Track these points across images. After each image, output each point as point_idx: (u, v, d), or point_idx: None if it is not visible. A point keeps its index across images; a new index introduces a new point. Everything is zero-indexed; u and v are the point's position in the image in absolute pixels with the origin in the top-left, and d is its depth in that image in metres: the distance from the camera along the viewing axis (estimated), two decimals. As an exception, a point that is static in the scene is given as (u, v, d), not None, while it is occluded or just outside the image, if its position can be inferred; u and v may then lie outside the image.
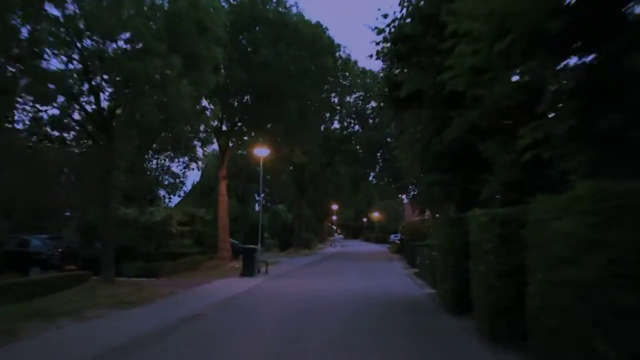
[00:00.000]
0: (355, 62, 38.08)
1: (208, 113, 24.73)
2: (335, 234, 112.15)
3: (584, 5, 5.59)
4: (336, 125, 44.64)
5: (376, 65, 40.98)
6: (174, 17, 13.41)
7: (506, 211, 7.00)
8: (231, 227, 52.35)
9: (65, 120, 15.21)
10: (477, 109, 8.56)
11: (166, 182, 65.48)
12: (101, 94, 14.18)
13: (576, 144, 5.97)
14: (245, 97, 23.01)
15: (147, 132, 17.94)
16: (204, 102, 24.13)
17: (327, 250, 53.89)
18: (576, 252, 4.38)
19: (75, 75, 14.01)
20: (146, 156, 25.37)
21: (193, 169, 62.97)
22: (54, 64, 14.13)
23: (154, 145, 23.15)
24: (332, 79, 26.14)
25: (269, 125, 23.58)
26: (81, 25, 12.96)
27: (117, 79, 13.23)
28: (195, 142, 25.04)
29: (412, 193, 39.92)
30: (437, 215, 44.51)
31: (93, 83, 13.92)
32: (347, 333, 9.08)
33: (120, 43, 13.65)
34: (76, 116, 15.42)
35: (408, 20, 11.02)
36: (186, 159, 37.58)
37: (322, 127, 45.02)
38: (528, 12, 5.80)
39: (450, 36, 7.89)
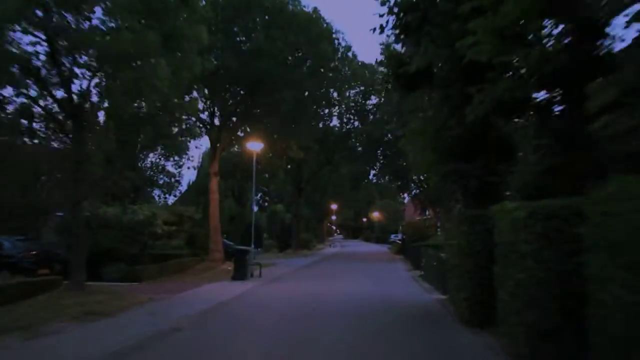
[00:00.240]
0: (355, 56, 36.52)
1: (198, 107, 23.26)
2: (335, 234, 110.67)
3: None
4: (335, 122, 43.15)
5: (377, 56, 39.69)
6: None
7: (553, 203, 5.45)
8: (228, 227, 51.04)
9: (35, 109, 13.67)
10: (503, 82, 7.01)
11: (161, 182, 64.09)
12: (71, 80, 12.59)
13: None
14: (237, 87, 21.44)
15: (126, 122, 16.36)
16: (194, 94, 22.68)
17: (326, 251, 52.35)
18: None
19: (43, 58, 12.49)
20: (136, 152, 23.77)
21: (189, 168, 61.30)
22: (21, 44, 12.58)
23: (140, 139, 21.56)
24: (331, 66, 24.53)
25: (262, 117, 21.98)
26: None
27: (85, 57, 11.70)
28: (184, 137, 23.40)
29: (414, 191, 38.44)
30: (439, 215, 43.18)
31: (62, 65, 12.35)
32: (348, 353, 7.55)
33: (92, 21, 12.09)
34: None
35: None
36: (175, 155, 36.13)
37: (321, 124, 43.62)
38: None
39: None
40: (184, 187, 63.62)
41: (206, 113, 23.19)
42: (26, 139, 15.40)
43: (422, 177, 36.69)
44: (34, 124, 14.25)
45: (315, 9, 22.21)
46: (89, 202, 17.53)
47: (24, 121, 13.94)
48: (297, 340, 8.47)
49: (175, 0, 11.74)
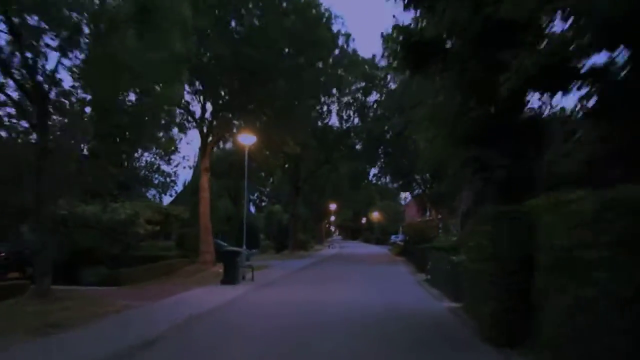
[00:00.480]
0: (355, 50, 35.06)
1: (187, 97, 21.75)
2: (334, 235, 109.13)
3: None
4: (334, 121, 41.70)
5: (377, 52, 38.32)
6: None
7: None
8: (224, 227, 49.51)
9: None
10: (551, 43, 5.51)
11: (156, 181, 62.54)
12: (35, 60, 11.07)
13: None
14: (230, 78, 19.89)
15: (108, 112, 14.82)
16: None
17: (324, 252, 50.79)
18: None
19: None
20: (121, 148, 22.18)
21: (185, 168, 59.96)
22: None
23: (126, 134, 19.97)
24: (330, 54, 22.93)
25: (255, 109, 20.43)
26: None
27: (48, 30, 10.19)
28: (171, 129, 21.82)
29: (416, 191, 36.94)
30: (440, 216, 41.69)
31: (24, 44, 10.83)
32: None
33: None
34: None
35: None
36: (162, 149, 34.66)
37: (320, 123, 42.12)
38: None
39: None
40: (179, 187, 62.30)
41: (198, 105, 21.77)
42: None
43: (427, 176, 35.23)
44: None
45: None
46: (66, 199, 16.04)
47: None
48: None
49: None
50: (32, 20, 10.28)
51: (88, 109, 15.71)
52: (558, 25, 6.05)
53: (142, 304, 12.13)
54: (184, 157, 67.69)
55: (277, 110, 19.72)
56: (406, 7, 8.41)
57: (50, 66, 11.19)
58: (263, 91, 18.73)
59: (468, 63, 7.64)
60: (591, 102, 6.69)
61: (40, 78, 11.10)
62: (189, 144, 77.32)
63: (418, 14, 8.57)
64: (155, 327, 9.23)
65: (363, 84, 37.33)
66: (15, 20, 10.27)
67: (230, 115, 21.45)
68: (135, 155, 64.46)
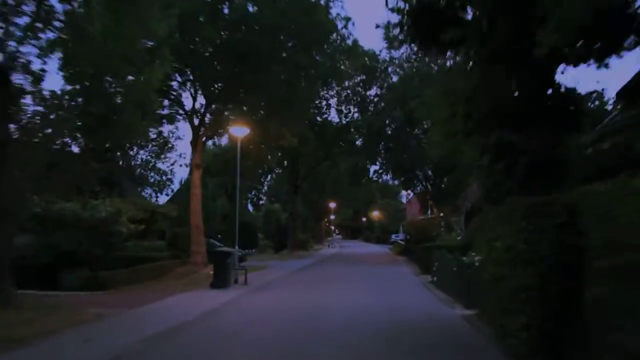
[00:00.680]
0: (356, 41, 33.84)
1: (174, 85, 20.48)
2: (334, 234, 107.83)
3: None
4: (334, 116, 40.44)
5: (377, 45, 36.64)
6: None
7: None
8: (221, 226, 48.21)
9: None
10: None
11: (152, 180, 61.29)
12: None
13: None
14: (220, 64, 18.59)
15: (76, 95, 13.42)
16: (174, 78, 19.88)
17: (324, 252, 49.55)
18: None
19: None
20: (103, 139, 20.71)
21: (181, 166, 58.34)
22: None
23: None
24: (328, 39, 21.57)
25: (248, 99, 19.10)
26: None
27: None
28: (159, 123, 20.44)
29: (419, 187, 35.68)
30: (442, 214, 40.43)
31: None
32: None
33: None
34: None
35: None
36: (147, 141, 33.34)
37: (319, 118, 40.84)
38: None
39: None
40: (176, 186, 61.17)
41: (189, 97, 20.46)
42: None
43: (429, 172, 33.94)
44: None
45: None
46: (41, 196, 14.78)
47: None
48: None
49: None
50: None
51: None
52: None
53: (118, 312, 10.86)
54: (180, 155, 66.27)
55: (272, 100, 18.40)
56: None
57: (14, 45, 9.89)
58: (256, 78, 17.42)
59: (495, 24, 6.33)
60: None
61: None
62: (182, 138, 74.66)
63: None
64: (125, 342, 7.97)
65: (363, 76, 36.04)
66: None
67: (222, 106, 20.11)
68: (131, 153, 63.43)
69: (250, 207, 59.99)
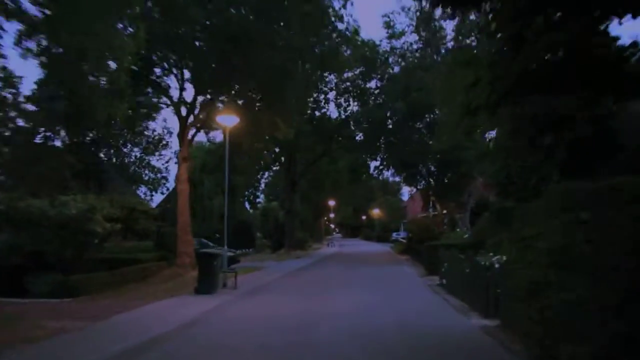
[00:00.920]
0: (356, 31, 32.27)
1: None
2: (334, 233, 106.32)
3: None
4: (332, 111, 38.93)
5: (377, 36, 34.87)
6: None
7: None
8: (218, 225, 46.57)
9: None
10: None
11: (146, 178, 59.68)
12: None
13: None
14: (207, 47, 16.98)
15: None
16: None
17: (323, 251, 48.01)
18: None
19: None
20: (81, 129, 19.17)
21: (176, 163, 56.77)
22: None
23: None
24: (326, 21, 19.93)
25: (238, 84, 17.48)
26: None
27: None
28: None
29: (422, 183, 34.13)
30: (445, 211, 38.89)
31: None
32: None
33: None
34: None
35: None
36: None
37: (317, 113, 39.27)
38: None
39: None
40: (171, 184, 59.66)
41: (175, 82, 18.83)
42: None
43: (432, 168, 32.32)
44: None
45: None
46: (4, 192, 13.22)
47: None
48: None
49: None
50: None
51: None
52: None
53: (83, 325, 9.28)
54: (175, 152, 64.49)
55: (264, 85, 16.79)
56: None
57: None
58: (246, 61, 15.81)
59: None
60: None
61: None
62: (170, 133, 72.12)
63: None
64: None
65: (362, 68, 34.44)
66: None
67: (212, 90, 18.45)
68: (125, 150, 61.77)
69: (247, 206, 58.48)
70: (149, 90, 18.61)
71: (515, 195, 14.54)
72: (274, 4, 15.86)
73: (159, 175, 57.85)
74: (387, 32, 32.92)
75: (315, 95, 38.01)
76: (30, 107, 17.30)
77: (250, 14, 15.64)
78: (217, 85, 17.83)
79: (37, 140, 24.75)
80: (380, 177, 52.05)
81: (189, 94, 20.08)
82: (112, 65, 11.35)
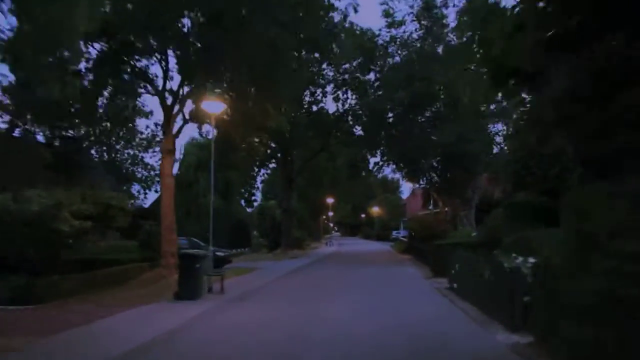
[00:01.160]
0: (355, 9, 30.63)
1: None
2: (333, 232, 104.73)
3: None
4: (330, 106, 37.34)
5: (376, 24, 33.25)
6: None
7: None
8: (213, 225, 44.97)
9: None
10: None
11: (139, 175, 58.03)
12: None
13: None
14: (191, 28, 15.34)
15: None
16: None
17: (321, 251, 46.45)
18: None
19: None
20: (54, 114, 17.44)
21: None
22: None
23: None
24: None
25: (225, 67, 15.82)
26: None
27: None
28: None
29: (425, 178, 32.53)
30: (447, 209, 37.25)
31: None
32: None
33: None
34: None
35: None
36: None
37: (315, 108, 37.66)
38: None
39: None
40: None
41: (158, 68, 17.23)
42: None
43: (435, 162, 30.64)
44: None
45: None
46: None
47: None
48: None
49: None
50: None
51: None
52: None
53: (22, 342, 7.68)
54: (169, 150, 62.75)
55: (254, 68, 15.12)
56: None
57: None
58: (232, 39, 14.17)
59: None
60: None
61: None
62: (157, 125, 69.79)
63: None
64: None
65: (361, 59, 32.80)
66: None
67: (195, 80, 16.80)
68: (117, 147, 60.14)
69: (243, 204, 56.88)
70: (126, 75, 16.88)
71: (534, 187, 12.95)
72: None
73: (152, 172, 56.32)
74: (387, 21, 31.25)
75: (312, 88, 36.47)
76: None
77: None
78: (203, 70, 16.18)
79: (16, 134, 23.30)
80: (380, 174, 50.47)
81: (175, 83, 18.33)
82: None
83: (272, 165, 44.04)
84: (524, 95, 7.63)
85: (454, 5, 29.09)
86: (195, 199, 47.20)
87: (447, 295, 13.19)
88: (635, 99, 4.05)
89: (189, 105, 19.40)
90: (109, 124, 48.19)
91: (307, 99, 37.43)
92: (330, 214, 78.62)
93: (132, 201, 53.79)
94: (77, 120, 20.47)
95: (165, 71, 18.00)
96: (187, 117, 19.52)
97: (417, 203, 58.39)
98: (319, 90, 37.25)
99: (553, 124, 5.43)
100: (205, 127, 32.95)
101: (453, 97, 28.35)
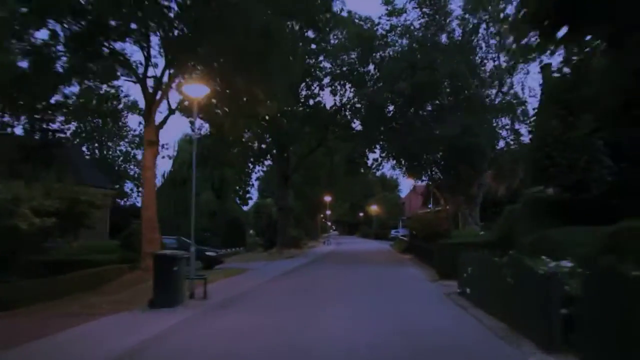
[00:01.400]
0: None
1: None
2: (331, 230, 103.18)
3: None
4: (328, 100, 35.85)
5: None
6: None
7: None
8: (207, 224, 43.43)
9: None
10: None
11: (132, 173, 56.39)
12: None
13: None
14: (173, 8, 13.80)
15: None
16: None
17: (318, 250, 44.87)
18: None
19: None
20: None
21: (164, 157, 54.02)
22: None
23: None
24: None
25: (209, 49, 14.22)
26: None
27: None
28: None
29: (428, 173, 31.01)
30: (448, 206, 35.70)
31: None
32: None
33: None
34: None
35: None
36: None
37: (312, 102, 36.15)
38: None
39: None
40: (159, 180, 56.61)
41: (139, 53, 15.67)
42: None
43: (438, 157, 29.08)
44: None
45: None
46: None
47: None
48: None
49: None
50: None
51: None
52: None
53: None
54: (162, 146, 61.57)
55: (242, 48, 13.52)
56: None
57: None
58: (216, 17, 12.62)
59: None
60: None
61: None
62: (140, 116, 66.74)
63: None
64: None
65: (359, 49, 31.29)
66: None
67: (177, 64, 15.24)
68: (110, 144, 58.57)
69: (237, 200, 55.42)
70: (101, 59, 15.25)
71: (559, 179, 11.43)
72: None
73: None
74: (387, 9, 29.73)
75: (308, 80, 34.97)
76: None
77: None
78: (187, 50, 14.61)
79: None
80: (379, 170, 48.78)
81: (159, 71, 16.73)
82: None
83: (267, 163, 42.51)
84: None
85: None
86: (187, 196, 45.77)
87: (457, 301, 11.66)
88: None
89: (176, 96, 17.94)
90: (100, 120, 46.64)
91: (303, 93, 36.01)
92: (328, 212, 77.19)
93: (126, 199, 52.33)
94: (50, 112, 18.87)
95: (147, 57, 16.44)
96: (172, 107, 18.00)
97: (417, 201, 56.88)
98: (315, 84, 35.82)
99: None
100: (197, 122, 31.54)
101: (457, 88, 26.91)
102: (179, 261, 11.20)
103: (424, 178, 32.87)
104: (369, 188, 74.52)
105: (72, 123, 48.04)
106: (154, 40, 16.69)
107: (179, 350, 7.43)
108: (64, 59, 15.49)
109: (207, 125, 28.53)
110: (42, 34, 16.01)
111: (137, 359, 6.93)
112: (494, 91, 29.15)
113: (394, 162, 32.47)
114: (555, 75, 12.33)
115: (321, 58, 34.61)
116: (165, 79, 16.86)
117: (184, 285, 11.80)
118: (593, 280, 5.58)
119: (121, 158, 55.06)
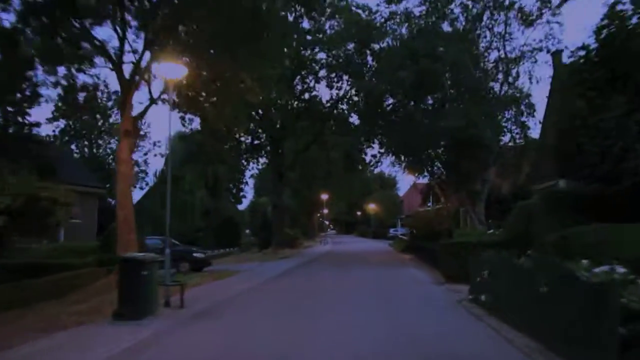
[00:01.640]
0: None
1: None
2: (328, 229, 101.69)
3: None
4: (324, 95, 34.41)
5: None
6: None
7: None
8: (202, 223, 41.87)
9: None
10: None
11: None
12: None
13: None
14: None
15: None
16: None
17: (315, 250, 43.34)
18: None
19: None
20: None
21: (156, 155, 51.80)
22: None
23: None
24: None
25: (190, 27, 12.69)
26: None
27: None
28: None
29: (429, 169, 29.46)
30: (449, 204, 34.21)
31: None
32: None
33: None
34: None
35: None
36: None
37: (307, 96, 34.69)
38: None
39: None
40: (150, 179, 55.19)
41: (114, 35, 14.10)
42: None
43: (441, 151, 27.56)
44: None
45: None
46: None
47: None
48: None
49: None
50: None
51: None
52: None
53: None
54: (154, 144, 60.33)
55: (229, 27, 11.94)
56: None
57: None
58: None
59: None
60: None
61: None
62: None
63: None
64: None
65: (356, 40, 29.81)
66: None
67: (156, 47, 13.70)
68: (100, 142, 56.95)
69: (231, 198, 53.88)
70: (63, 37, 13.65)
71: (587, 170, 9.91)
72: None
73: (136, 168, 53.31)
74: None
75: (303, 73, 33.52)
76: None
77: None
78: (166, 30, 13.07)
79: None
80: (378, 167, 47.27)
81: (137, 57, 15.15)
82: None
83: (263, 161, 40.99)
84: None
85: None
86: (180, 195, 44.22)
87: (470, 309, 10.14)
88: None
89: (160, 86, 16.40)
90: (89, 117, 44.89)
91: (298, 87, 34.58)
92: (325, 211, 75.69)
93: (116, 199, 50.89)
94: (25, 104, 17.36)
95: (122, 38, 14.85)
96: (155, 97, 16.42)
97: (416, 199, 55.32)
98: (311, 77, 34.38)
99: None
100: (188, 117, 29.96)
101: (460, 79, 25.40)
102: (150, 265, 9.65)
103: (424, 174, 31.26)
104: (367, 186, 73.10)
105: (61, 120, 46.62)
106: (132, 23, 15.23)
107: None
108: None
109: (198, 120, 27.13)
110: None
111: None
112: (498, 84, 27.67)
113: (394, 157, 30.91)
114: (581, 52, 10.86)
115: (317, 49, 33.21)
116: (144, 63, 15.35)
117: (157, 292, 10.27)
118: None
119: (111, 156, 53.56)
